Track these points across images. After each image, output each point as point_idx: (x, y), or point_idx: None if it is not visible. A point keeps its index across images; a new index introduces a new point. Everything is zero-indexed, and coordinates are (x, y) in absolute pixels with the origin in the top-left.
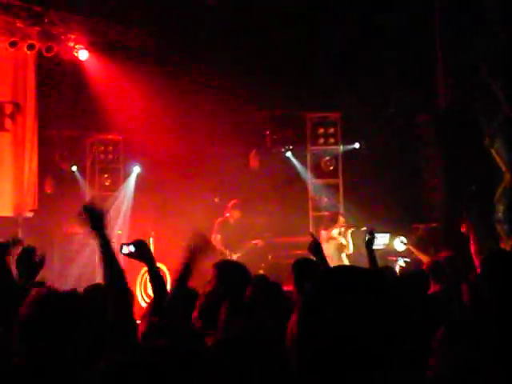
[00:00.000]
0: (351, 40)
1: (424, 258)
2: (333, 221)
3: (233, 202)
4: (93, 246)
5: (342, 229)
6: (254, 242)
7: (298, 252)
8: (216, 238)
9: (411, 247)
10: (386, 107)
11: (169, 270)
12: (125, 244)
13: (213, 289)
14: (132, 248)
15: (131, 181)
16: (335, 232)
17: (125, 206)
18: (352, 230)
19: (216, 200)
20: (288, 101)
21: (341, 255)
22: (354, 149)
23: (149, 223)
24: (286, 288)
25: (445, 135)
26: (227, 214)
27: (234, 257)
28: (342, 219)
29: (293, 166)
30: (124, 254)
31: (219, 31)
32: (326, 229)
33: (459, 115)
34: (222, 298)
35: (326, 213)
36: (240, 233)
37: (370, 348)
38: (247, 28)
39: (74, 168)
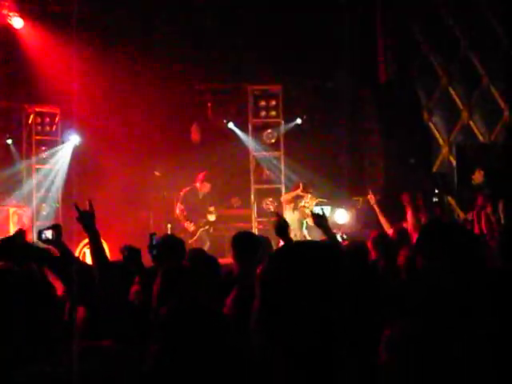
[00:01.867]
0: (294, 12)
1: (384, 223)
2: (294, 187)
3: (203, 173)
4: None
5: (307, 199)
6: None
7: (239, 225)
8: (179, 208)
9: (376, 207)
10: (327, 81)
11: (105, 241)
12: (43, 230)
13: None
14: (49, 234)
15: (67, 152)
16: (301, 203)
17: (60, 177)
18: (317, 200)
19: (156, 173)
20: (230, 74)
21: (302, 223)
22: (296, 124)
23: (86, 196)
24: (227, 261)
25: (384, 109)
26: (197, 184)
27: (192, 229)
28: (302, 186)
29: (234, 139)
30: (43, 241)
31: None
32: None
33: (398, 89)
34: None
35: (271, 186)
36: (205, 205)
37: (328, 322)
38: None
39: (9, 141)
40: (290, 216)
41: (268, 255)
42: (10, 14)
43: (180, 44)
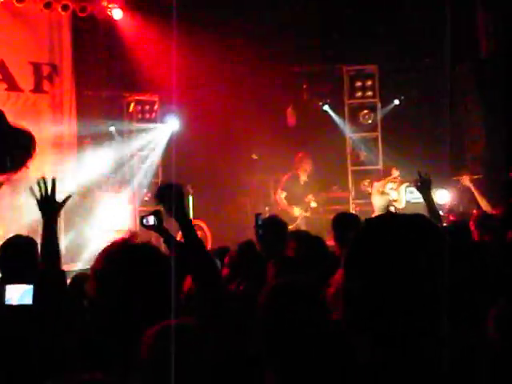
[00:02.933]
0: None
1: (482, 203)
2: (386, 173)
3: (299, 154)
4: None
5: (395, 184)
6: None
7: (337, 207)
8: (280, 195)
9: (472, 187)
10: (424, 58)
11: (208, 226)
12: (144, 216)
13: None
14: (152, 220)
15: (165, 133)
16: (388, 186)
17: (157, 160)
18: (406, 184)
19: (254, 157)
20: (325, 55)
21: (390, 209)
22: (395, 105)
23: (185, 181)
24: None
25: (486, 84)
26: (298, 171)
27: (297, 213)
28: (395, 172)
29: (330, 121)
30: (145, 227)
31: None
32: (378, 180)
33: (501, 63)
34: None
35: (369, 167)
36: (306, 192)
37: (418, 295)
38: None
39: (112, 128)
40: (378, 201)
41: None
42: (110, 5)
43: (274, 27)
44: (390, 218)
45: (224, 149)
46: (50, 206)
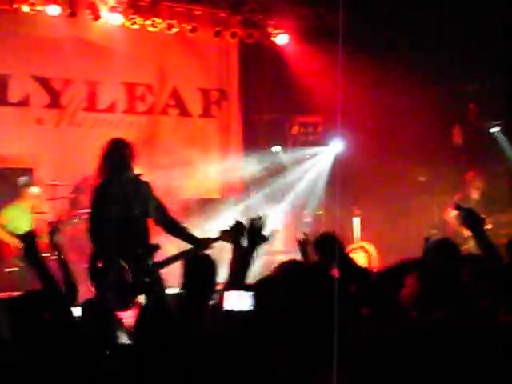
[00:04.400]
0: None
1: None
2: None
3: (470, 173)
4: None
5: None
6: None
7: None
8: (449, 215)
9: None
10: None
11: (377, 250)
12: None
13: None
14: None
15: (329, 156)
16: None
17: (321, 183)
18: None
19: (421, 178)
20: (494, 72)
21: None
22: None
23: (350, 203)
24: None
25: None
26: (470, 191)
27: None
28: None
29: (499, 145)
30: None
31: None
32: None
33: None
34: None
35: None
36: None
37: None
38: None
39: (277, 149)
40: None
41: None
42: (275, 31)
43: (442, 43)
44: None
45: (388, 169)
46: (258, 238)
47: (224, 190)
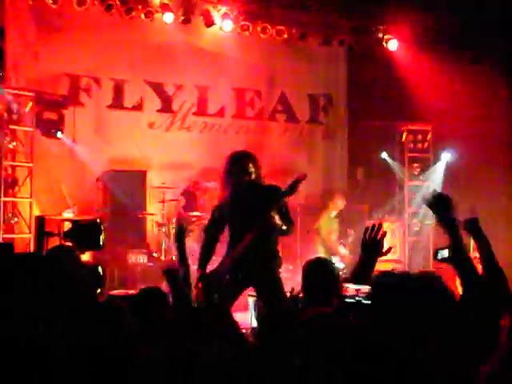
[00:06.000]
0: None
1: None
2: None
3: None
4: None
5: None
6: None
7: None
8: None
9: None
10: None
11: None
12: (440, 249)
13: None
14: (446, 253)
15: (440, 168)
16: None
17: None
18: None
19: None
20: None
21: None
22: None
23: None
24: None
25: None
26: None
27: None
28: None
29: None
30: (439, 261)
31: None
32: None
33: None
34: None
35: None
36: None
37: None
38: None
39: (385, 155)
40: None
41: None
42: (386, 37)
43: None
44: None
45: (502, 179)
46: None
47: (326, 197)
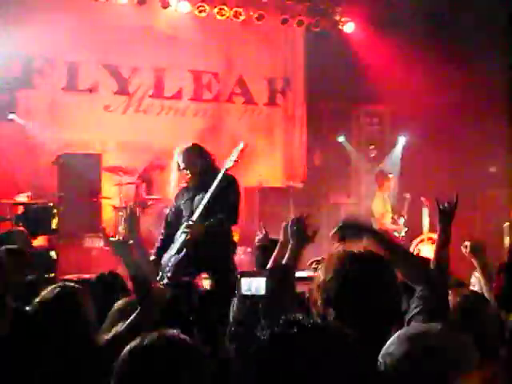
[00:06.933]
0: None
1: None
2: None
3: None
4: None
5: None
6: None
7: None
8: None
9: None
10: None
11: None
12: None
13: None
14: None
15: (396, 152)
16: None
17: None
18: None
19: (492, 170)
20: None
21: None
22: None
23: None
24: None
25: None
26: None
27: None
28: None
29: None
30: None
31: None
32: None
33: None
34: None
35: None
36: None
37: None
38: None
39: (342, 138)
40: None
41: None
42: (342, 19)
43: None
44: None
45: (457, 162)
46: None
47: (287, 179)
